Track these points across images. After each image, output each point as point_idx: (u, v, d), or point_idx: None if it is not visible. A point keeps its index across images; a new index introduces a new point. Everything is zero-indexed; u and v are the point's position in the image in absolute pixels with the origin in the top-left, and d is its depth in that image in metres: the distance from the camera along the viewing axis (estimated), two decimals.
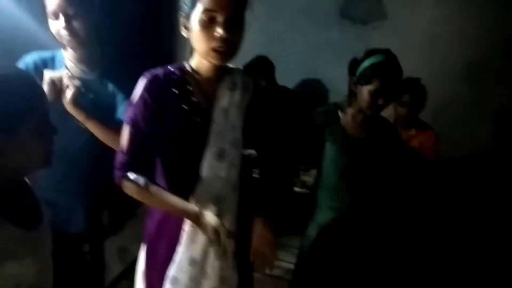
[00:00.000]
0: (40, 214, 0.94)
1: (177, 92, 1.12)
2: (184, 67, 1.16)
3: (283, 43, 3.10)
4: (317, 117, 1.60)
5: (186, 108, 1.12)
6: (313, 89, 3.10)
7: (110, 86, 1.43)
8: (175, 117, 1.12)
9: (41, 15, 1.36)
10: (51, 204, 1.05)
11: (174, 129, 1.12)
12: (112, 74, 1.44)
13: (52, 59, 1.42)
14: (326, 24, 3.04)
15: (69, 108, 1.32)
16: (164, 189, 1.14)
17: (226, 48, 1.03)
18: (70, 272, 1.46)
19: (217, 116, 1.13)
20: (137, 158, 1.13)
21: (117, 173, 1.13)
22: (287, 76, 2.95)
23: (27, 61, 1.38)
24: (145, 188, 1.10)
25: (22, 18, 1.56)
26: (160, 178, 1.18)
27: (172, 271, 1.16)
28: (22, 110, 0.81)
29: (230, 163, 1.15)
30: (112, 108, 1.43)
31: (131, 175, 1.10)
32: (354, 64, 1.53)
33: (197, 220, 1.10)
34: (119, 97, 1.43)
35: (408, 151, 1.88)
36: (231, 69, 1.19)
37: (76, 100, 1.31)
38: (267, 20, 3.15)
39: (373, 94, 1.41)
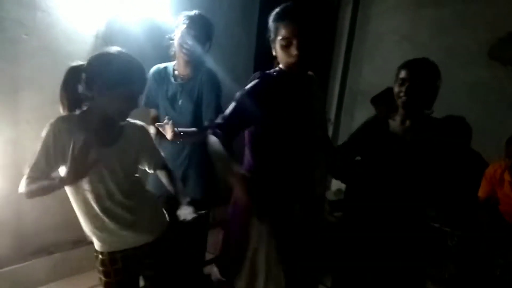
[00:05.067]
0: (116, 137, 1.42)
1: (274, 88, 1.49)
2: (281, 70, 1.51)
3: None
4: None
5: (280, 98, 1.48)
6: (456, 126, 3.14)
7: (204, 86, 1.97)
8: (273, 104, 1.47)
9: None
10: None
11: (272, 113, 1.47)
12: (206, 78, 1.98)
13: (165, 68, 2.05)
14: (474, 65, 3.01)
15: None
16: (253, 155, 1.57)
17: (300, 63, 1.41)
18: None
19: (316, 106, 1.60)
20: (229, 126, 1.47)
21: (212, 127, 1.48)
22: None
23: (150, 71, 2.03)
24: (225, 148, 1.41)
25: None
26: (249, 146, 1.58)
27: None
28: (126, 81, 1.29)
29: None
30: (202, 100, 1.97)
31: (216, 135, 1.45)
32: None
33: None
34: (209, 95, 1.96)
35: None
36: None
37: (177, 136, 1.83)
38: None
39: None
